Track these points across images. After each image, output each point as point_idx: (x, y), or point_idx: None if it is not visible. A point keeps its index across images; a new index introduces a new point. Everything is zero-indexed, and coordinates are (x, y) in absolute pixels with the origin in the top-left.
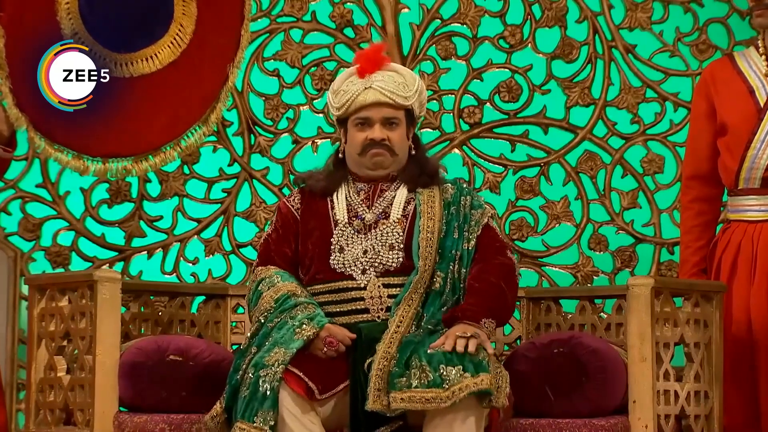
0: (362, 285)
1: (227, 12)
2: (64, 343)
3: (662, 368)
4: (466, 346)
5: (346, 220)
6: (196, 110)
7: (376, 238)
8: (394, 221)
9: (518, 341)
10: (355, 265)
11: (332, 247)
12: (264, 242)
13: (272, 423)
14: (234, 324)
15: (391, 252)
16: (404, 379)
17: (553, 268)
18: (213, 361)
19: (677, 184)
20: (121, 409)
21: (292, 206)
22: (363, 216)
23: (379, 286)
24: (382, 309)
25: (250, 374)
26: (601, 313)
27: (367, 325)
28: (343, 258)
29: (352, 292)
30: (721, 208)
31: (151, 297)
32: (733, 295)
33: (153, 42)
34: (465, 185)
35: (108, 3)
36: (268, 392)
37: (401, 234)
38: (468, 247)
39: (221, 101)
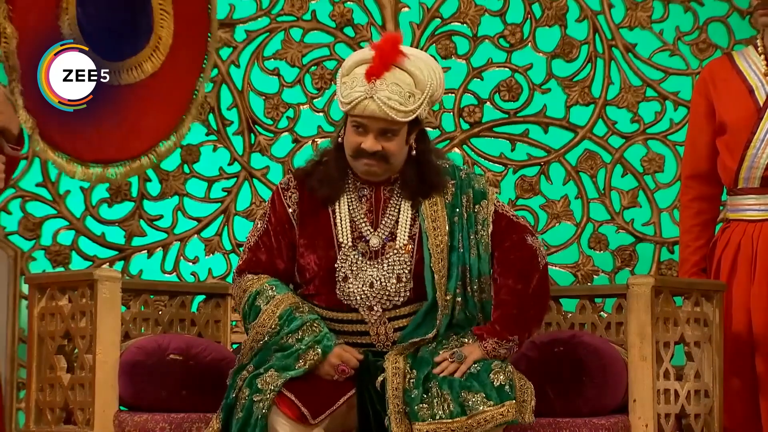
0: (367, 320)
1: (194, 27)
2: (65, 342)
3: (662, 367)
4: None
5: (350, 243)
6: (170, 122)
7: (383, 267)
8: (400, 247)
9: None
10: (361, 299)
11: (336, 274)
12: (255, 246)
13: None
14: (234, 323)
15: (398, 284)
16: (426, 406)
17: (554, 267)
18: (213, 360)
19: (677, 183)
20: (122, 408)
21: (288, 206)
22: (368, 238)
23: (384, 321)
24: (388, 345)
25: (245, 394)
26: (602, 312)
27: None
28: (348, 289)
29: (356, 325)
30: (720, 207)
31: (152, 296)
32: (733, 294)
33: (136, 52)
34: (463, 174)
35: (98, 11)
36: (259, 419)
37: (409, 262)
38: (478, 253)
39: (191, 114)
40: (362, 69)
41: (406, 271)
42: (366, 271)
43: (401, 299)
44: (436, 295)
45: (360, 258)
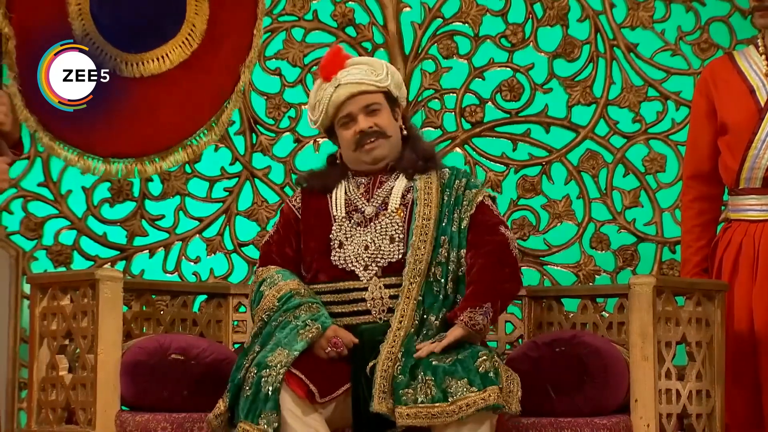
0: (364, 285)
1: (240, 12)
2: (66, 342)
3: (664, 367)
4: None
5: (344, 214)
6: (206, 111)
7: (376, 230)
8: (392, 211)
9: (520, 340)
10: (357, 262)
11: (331, 243)
12: (265, 243)
13: (276, 425)
14: (236, 323)
15: (392, 245)
16: (410, 391)
17: (555, 267)
18: (215, 360)
19: (679, 183)
20: (123, 408)
21: (294, 206)
22: (363, 209)
23: (380, 287)
24: (384, 310)
25: (253, 373)
26: (603, 312)
27: (368, 326)
28: (344, 254)
29: (353, 293)
30: (723, 207)
31: (153, 296)
32: (735, 294)
33: (164, 42)
34: (462, 170)
35: (119, 3)
36: (270, 393)
37: (401, 224)
38: (459, 228)
39: (232, 102)
40: (322, 85)
41: (399, 232)
42: (360, 236)
43: (396, 257)
44: (407, 255)
45: (355, 227)
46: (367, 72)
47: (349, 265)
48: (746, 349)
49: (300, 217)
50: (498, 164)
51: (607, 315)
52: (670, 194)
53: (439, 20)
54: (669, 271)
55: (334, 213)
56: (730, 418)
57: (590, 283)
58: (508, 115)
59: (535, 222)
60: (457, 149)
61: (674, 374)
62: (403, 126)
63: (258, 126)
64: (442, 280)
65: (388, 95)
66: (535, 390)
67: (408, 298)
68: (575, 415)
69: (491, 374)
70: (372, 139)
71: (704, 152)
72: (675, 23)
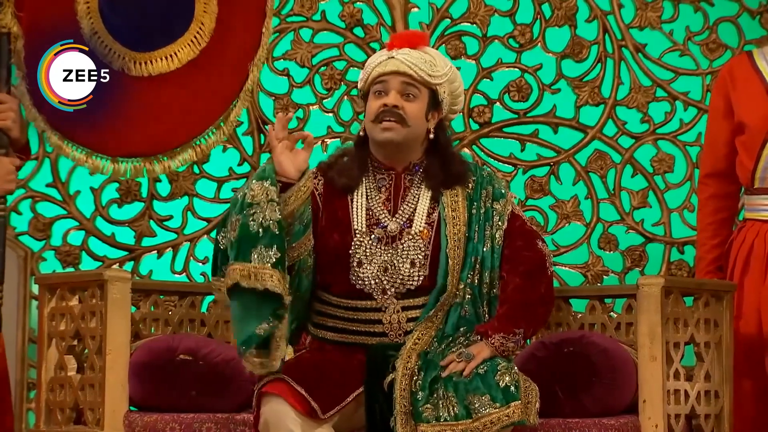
0: (381, 307)
1: (249, 9)
2: (75, 342)
3: (672, 368)
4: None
5: (365, 229)
6: (215, 109)
7: (397, 252)
8: (416, 233)
9: (528, 341)
10: (375, 284)
11: (350, 260)
12: None
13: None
14: None
15: (412, 269)
16: (430, 407)
17: (563, 268)
18: (223, 361)
19: (687, 184)
20: (131, 408)
21: (316, 188)
22: (386, 224)
23: (398, 310)
24: (400, 333)
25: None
26: (611, 313)
27: (381, 345)
28: (362, 274)
29: (370, 313)
30: (742, 206)
31: (161, 296)
32: (745, 294)
33: (173, 40)
34: (485, 173)
35: (128, 1)
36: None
37: (424, 248)
38: (492, 247)
39: (241, 100)
40: (382, 51)
41: (421, 257)
42: (381, 256)
43: (414, 284)
44: (447, 280)
45: (375, 243)
46: (427, 62)
47: (367, 287)
48: (754, 348)
49: (320, 206)
50: (506, 165)
51: (616, 315)
52: (678, 195)
53: (447, 21)
54: (677, 272)
55: (355, 226)
56: (737, 419)
57: (598, 284)
58: (516, 116)
59: (543, 222)
60: (465, 150)
61: (682, 375)
62: (432, 130)
63: (266, 126)
64: (472, 302)
65: (432, 93)
66: (543, 390)
67: (432, 322)
68: (583, 416)
69: (512, 389)
70: (391, 119)
71: (721, 151)
72: (683, 23)
